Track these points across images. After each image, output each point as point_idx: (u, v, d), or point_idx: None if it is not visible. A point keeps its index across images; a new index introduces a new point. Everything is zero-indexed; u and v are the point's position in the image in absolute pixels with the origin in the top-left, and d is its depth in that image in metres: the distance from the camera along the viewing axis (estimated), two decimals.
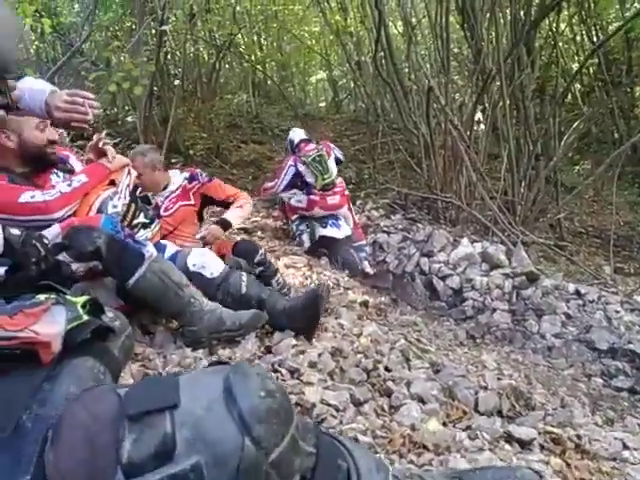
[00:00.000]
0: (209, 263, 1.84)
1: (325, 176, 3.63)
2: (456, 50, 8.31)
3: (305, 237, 3.62)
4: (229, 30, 6.06)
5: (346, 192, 3.80)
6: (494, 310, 3.00)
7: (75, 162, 1.89)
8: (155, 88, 5.73)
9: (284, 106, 8.68)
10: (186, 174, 2.56)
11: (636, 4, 6.55)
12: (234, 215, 2.52)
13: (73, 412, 0.59)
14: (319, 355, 1.61)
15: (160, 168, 2.48)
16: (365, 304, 2.59)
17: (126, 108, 6.22)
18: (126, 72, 3.54)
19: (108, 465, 0.50)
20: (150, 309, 1.70)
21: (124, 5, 6.80)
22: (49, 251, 1.26)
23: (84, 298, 0.87)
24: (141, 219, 1.87)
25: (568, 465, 1.19)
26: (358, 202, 4.76)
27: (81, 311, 0.84)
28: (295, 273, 2.93)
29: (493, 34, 4.94)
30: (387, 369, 1.65)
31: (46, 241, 1.29)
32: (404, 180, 5.34)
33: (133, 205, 1.84)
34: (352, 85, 9.45)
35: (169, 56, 7.03)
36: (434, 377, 1.72)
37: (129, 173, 1.90)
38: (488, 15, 4.90)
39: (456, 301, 3.22)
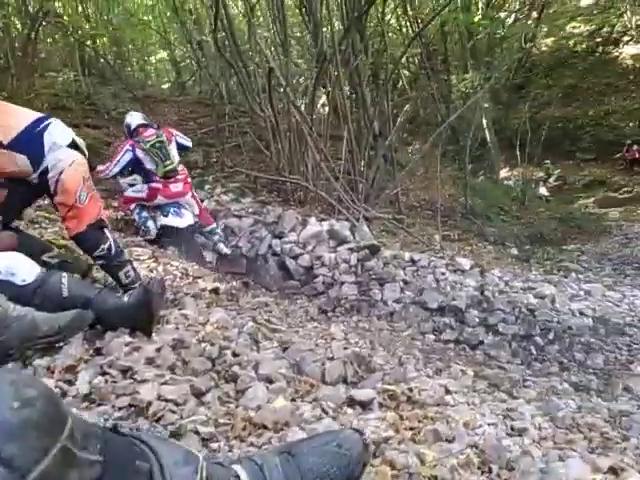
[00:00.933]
0: (19, 268, 1.56)
1: (166, 163, 3.37)
2: (298, 34, 8.47)
3: (151, 224, 3.35)
4: None
5: (189, 179, 3.59)
6: (342, 283, 3.16)
7: None
8: None
9: (121, 87, 7.90)
10: None
11: None
12: None
13: None
14: (157, 350, 1.49)
15: None
16: (216, 291, 2.50)
17: None
18: None
19: None
20: None
21: None
22: None
23: None
24: None
25: (401, 417, 1.28)
26: (207, 187, 4.58)
27: None
28: (139, 266, 2.69)
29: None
30: (235, 354, 1.60)
31: None
32: (253, 163, 5.29)
33: None
34: (195, 66, 9.04)
35: None
36: (283, 355, 1.72)
37: None
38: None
39: (308, 278, 3.32)
